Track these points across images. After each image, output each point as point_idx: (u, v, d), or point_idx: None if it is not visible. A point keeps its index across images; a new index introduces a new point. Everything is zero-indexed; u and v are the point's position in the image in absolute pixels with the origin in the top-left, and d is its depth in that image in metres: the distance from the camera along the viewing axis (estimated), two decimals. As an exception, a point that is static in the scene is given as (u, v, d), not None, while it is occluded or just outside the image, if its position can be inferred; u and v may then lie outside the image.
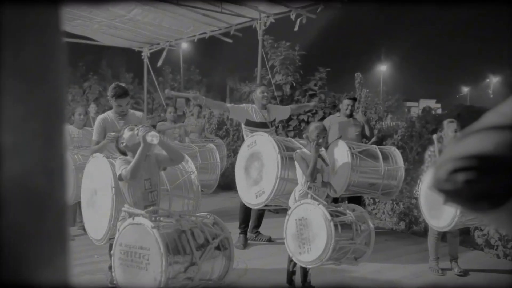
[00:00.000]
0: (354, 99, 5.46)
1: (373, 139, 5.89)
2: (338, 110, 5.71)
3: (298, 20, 6.45)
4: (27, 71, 0.38)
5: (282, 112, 5.22)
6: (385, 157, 4.89)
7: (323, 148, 3.78)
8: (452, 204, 0.73)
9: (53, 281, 0.39)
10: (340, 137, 4.97)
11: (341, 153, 4.66)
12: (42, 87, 0.39)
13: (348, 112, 5.27)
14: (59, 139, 0.40)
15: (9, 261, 0.36)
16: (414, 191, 4.80)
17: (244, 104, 5.15)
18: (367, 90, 7.87)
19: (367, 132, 5.34)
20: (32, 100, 0.39)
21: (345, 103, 5.31)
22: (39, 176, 0.38)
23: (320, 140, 3.59)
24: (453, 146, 0.72)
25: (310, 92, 7.97)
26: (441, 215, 3.99)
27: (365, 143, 5.62)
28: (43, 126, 0.39)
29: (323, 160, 3.67)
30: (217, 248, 2.84)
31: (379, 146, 5.12)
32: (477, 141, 0.68)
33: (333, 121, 5.33)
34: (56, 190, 0.40)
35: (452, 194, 0.70)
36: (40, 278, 0.38)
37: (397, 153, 5.03)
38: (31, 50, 0.38)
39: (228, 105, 4.99)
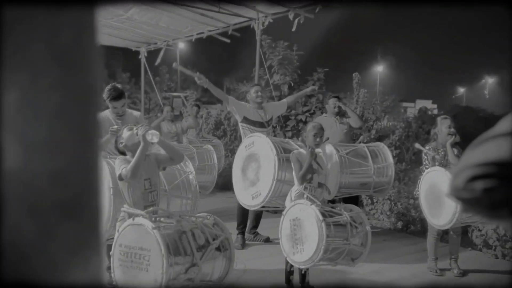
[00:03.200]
0: (339, 98, 5.43)
1: (361, 138, 5.83)
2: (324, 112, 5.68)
3: (296, 20, 6.44)
4: (63, 56, 0.36)
5: (278, 107, 5.21)
6: (374, 155, 4.87)
7: (320, 150, 3.78)
8: (471, 212, 0.71)
9: (86, 281, 0.37)
10: (327, 139, 4.94)
11: (329, 157, 4.65)
12: (78, 73, 0.37)
13: (337, 109, 5.24)
14: (94, 132, 0.37)
15: (43, 261, 0.34)
16: (414, 192, 4.79)
17: (243, 102, 5.14)
18: (365, 90, 7.88)
19: (354, 123, 5.17)
20: (67, 87, 0.36)
21: (332, 102, 5.27)
22: (74, 173, 0.35)
23: (318, 139, 3.60)
24: (469, 153, 0.70)
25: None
26: (441, 213, 4.00)
27: (357, 138, 5.58)
28: (79, 117, 0.36)
29: (318, 164, 3.66)
30: (218, 249, 2.83)
31: (367, 144, 5.09)
32: (494, 148, 0.67)
33: (321, 122, 5.30)
34: (91, 189, 0.37)
35: (471, 202, 0.68)
36: (74, 278, 0.36)
37: (385, 150, 4.99)
38: (67, 36, 0.36)
39: (229, 96, 4.99)
